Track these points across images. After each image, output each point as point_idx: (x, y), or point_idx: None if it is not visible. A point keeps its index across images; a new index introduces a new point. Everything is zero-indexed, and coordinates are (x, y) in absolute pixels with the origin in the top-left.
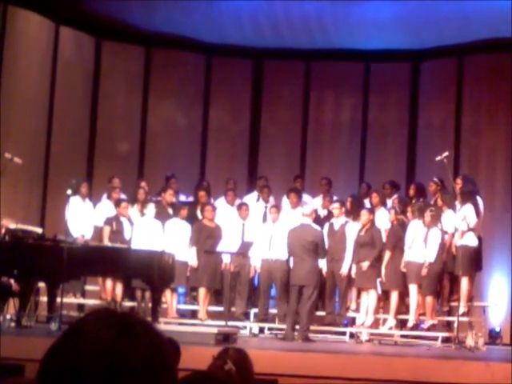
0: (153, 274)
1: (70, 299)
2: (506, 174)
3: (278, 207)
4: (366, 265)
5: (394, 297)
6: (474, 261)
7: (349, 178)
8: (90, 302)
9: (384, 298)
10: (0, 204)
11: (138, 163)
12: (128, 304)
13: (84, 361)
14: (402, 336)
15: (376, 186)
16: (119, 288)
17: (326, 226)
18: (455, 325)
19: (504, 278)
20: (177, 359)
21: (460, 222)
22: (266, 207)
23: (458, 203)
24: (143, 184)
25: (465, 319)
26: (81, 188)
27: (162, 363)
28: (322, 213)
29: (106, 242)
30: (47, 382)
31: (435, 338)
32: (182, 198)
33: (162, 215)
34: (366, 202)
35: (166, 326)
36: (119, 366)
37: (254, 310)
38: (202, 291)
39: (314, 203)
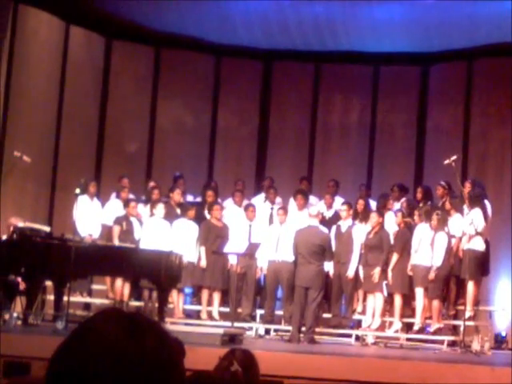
0: (160, 274)
1: (76, 298)
2: None
3: (285, 209)
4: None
5: (399, 300)
6: (481, 265)
7: (357, 181)
8: (97, 301)
9: (390, 300)
10: (8, 202)
11: (146, 163)
12: (135, 304)
13: (93, 360)
14: (408, 339)
15: (384, 189)
16: (126, 288)
17: (333, 228)
18: (461, 329)
19: (510, 282)
20: (182, 359)
21: (468, 225)
22: (271, 208)
23: (465, 207)
24: (153, 184)
25: (471, 323)
26: (89, 187)
27: (171, 363)
28: (328, 214)
29: (116, 242)
30: (56, 380)
31: (441, 342)
32: (190, 198)
33: (170, 215)
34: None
35: (173, 326)
36: (128, 366)
37: (260, 311)
38: (206, 291)
39: (320, 205)
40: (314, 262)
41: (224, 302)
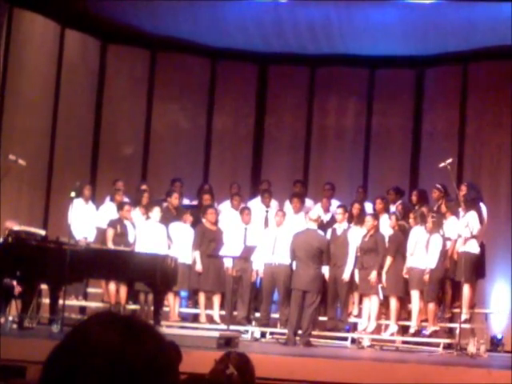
0: (155, 277)
1: (72, 301)
2: (510, 181)
3: (283, 211)
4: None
5: (394, 302)
6: (477, 268)
7: (352, 184)
8: (92, 304)
9: (386, 303)
10: (4, 205)
11: (142, 166)
12: (131, 307)
13: (87, 363)
14: (404, 342)
15: (379, 192)
16: (123, 291)
17: (329, 231)
18: (457, 331)
19: (506, 285)
20: (178, 363)
21: (463, 228)
22: (266, 211)
23: (461, 210)
24: (145, 187)
25: (467, 326)
26: (84, 190)
27: (166, 366)
28: (325, 218)
29: (110, 245)
30: None
31: (437, 345)
32: (186, 201)
33: (167, 219)
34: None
35: (168, 329)
36: (123, 369)
37: (256, 314)
38: (203, 295)
39: (317, 208)
40: (312, 266)
41: (219, 305)
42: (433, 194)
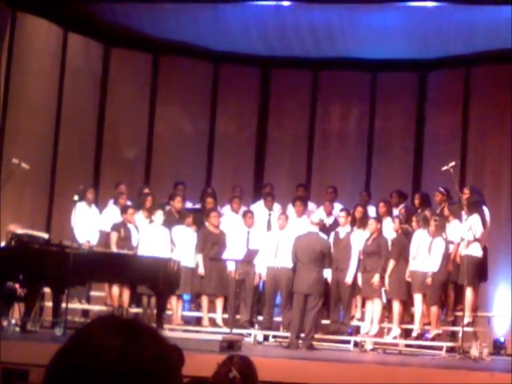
0: (158, 280)
1: (74, 305)
2: (511, 184)
3: (286, 214)
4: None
5: (397, 306)
6: (479, 271)
7: (355, 187)
8: (95, 307)
9: (388, 307)
10: (7, 209)
11: (145, 170)
12: (134, 310)
13: (90, 367)
14: (407, 345)
15: (382, 196)
16: (126, 294)
17: (332, 234)
18: (460, 335)
19: (509, 288)
20: (181, 366)
21: (466, 232)
22: (269, 215)
23: (464, 213)
24: (148, 190)
25: (469, 329)
26: (87, 194)
27: (168, 369)
28: (327, 221)
29: (114, 248)
30: None
31: (440, 348)
32: (189, 205)
33: (170, 222)
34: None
35: (171, 332)
36: (125, 373)
37: (258, 318)
38: (206, 298)
39: (319, 212)
40: (314, 269)
41: (223, 308)
42: (435, 198)
